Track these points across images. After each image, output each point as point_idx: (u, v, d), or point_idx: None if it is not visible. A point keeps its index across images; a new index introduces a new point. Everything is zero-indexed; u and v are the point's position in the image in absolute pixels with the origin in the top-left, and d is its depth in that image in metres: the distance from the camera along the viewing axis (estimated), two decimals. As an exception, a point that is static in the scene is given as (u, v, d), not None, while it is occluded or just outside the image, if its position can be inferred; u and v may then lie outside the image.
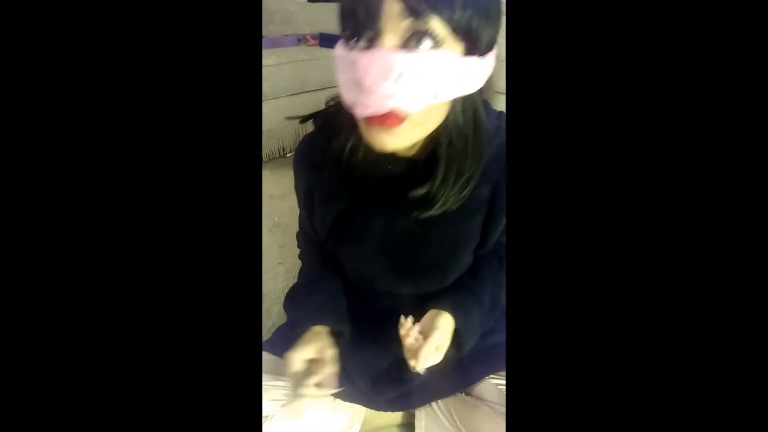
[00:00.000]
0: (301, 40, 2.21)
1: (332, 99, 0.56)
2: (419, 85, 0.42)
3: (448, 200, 0.52)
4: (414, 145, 0.49)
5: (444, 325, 0.56)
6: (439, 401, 0.67)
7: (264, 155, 1.88)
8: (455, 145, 0.50)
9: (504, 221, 0.58)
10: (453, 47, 0.42)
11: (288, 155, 1.92)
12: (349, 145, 0.54)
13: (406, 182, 0.53)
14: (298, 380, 0.54)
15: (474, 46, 0.43)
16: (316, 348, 0.57)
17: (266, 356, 0.66)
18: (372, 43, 0.41)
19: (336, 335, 0.62)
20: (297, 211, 0.73)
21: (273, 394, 0.64)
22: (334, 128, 0.54)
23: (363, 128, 0.47)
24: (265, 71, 1.71)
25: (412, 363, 0.53)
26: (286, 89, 1.86)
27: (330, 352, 0.57)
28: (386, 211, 0.57)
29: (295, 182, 0.65)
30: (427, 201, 0.52)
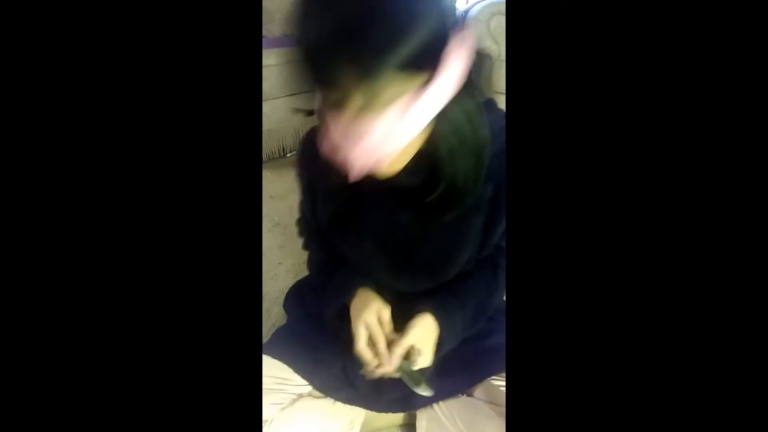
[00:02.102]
0: (301, 40, 2.21)
1: None
2: (398, 132, 0.42)
3: (465, 197, 0.52)
4: (412, 156, 0.48)
5: (422, 324, 0.57)
6: (440, 402, 0.67)
7: (264, 155, 1.88)
8: (452, 145, 0.49)
9: (505, 222, 0.58)
10: (413, 83, 0.40)
11: (288, 155, 1.92)
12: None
13: (415, 185, 0.53)
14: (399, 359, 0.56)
15: (429, 67, 0.40)
16: (375, 315, 0.58)
17: (265, 359, 0.66)
18: (337, 106, 0.41)
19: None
20: (297, 211, 0.72)
21: (273, 397, 0.64)
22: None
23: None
24: (265, 71, 1.71)
25: (374, 366, 0.56)
26: (286, 89, 1.86)
27: (386, 314, 0.58)
28: (387, 207, 0.57)
29: (299, 170, 0.65)
30: (446, 202, 0.52)
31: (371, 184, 0.54)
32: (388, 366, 0.55)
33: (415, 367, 0.56)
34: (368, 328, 0.57)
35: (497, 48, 1.84)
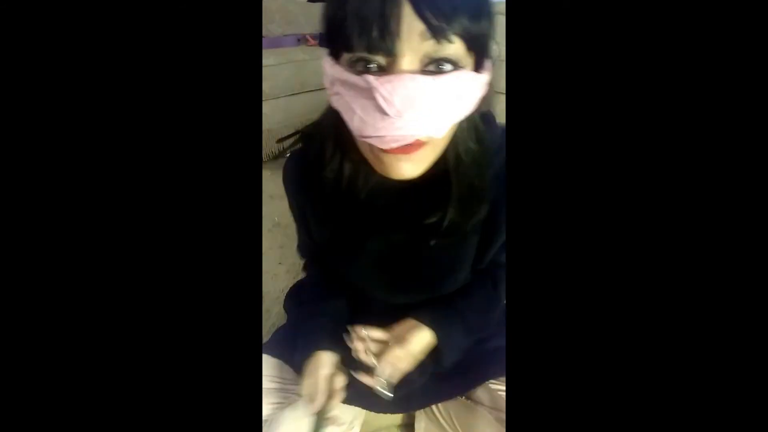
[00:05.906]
0: (301, 40, 2.22)
1: (326, 111, 0.51)
2: (444, 110, 0.39)
3: (465, 223, 0.51)
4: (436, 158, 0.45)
5: (416, 339, 0.56)
6: (439, 404, 0.67)
7: (264, 155, 1.88)
8: (464, 161, 0.47)
9: (500, 239, 0.57)
10: (467, 63, 0.39)
11: (288, 155, 1.92)
12: (346, 173, 0.51)
13: (412, 206, 0.52)
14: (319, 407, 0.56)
15: (482, 58, 0.41)
16: (327, 376, 0.57)
17: (265, 358, 0.66)
18: (388, 66, 0.37)
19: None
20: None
21: (273, 397, 0.64)
22: (325, 150, 0.51)
23: (374, 156, 0.43)
24: (265, 71, 1.71)
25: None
26: (286, 89, 1.86)
27: (340, 379, 0.58)
28: (384, 230, 0.56)
29: (288, 199, 0.63)
30: (444, 227, 0.50)
31: (371, 199, 0.53)
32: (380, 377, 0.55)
33: (385, 369, 0.55)
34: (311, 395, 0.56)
35: (497, 48, 1.84)
